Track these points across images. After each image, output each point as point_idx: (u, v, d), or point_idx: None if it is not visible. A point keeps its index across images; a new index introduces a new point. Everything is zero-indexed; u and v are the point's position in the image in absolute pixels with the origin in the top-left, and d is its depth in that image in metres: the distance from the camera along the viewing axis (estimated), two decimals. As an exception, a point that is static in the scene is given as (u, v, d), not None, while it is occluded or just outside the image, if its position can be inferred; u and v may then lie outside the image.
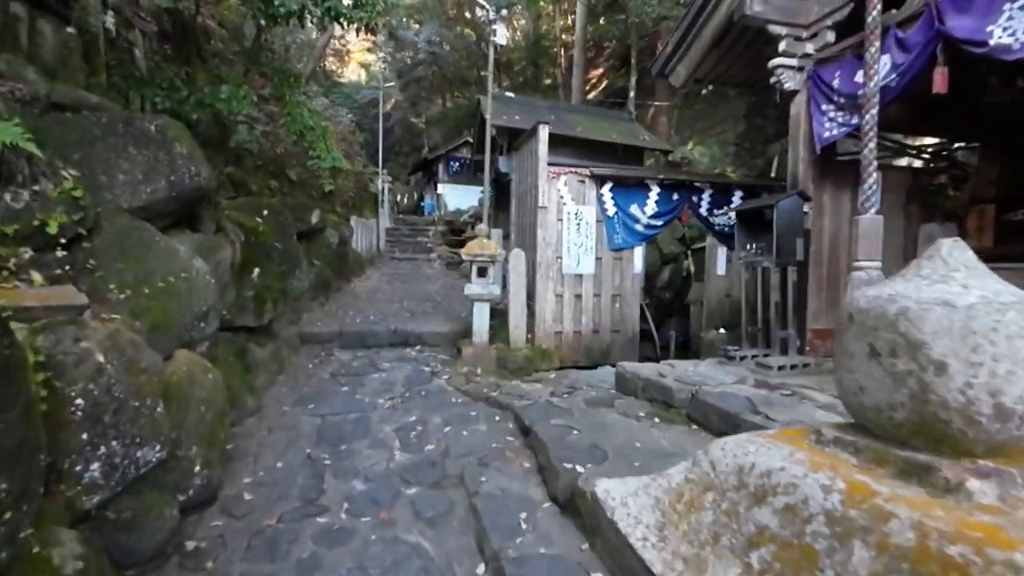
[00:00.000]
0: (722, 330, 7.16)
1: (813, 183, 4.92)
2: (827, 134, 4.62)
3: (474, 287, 5.87)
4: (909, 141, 5.77)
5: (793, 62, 4.83)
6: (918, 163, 5.59)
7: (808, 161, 4.91)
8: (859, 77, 4.27)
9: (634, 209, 6.76)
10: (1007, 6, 3.27)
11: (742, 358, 5.04)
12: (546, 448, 3.36)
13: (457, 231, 15.71)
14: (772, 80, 5.08)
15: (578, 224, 6.65)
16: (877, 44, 3.57)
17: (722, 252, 7.23)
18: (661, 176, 6.79)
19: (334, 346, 6.46)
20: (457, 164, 19.72)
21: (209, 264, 3.75)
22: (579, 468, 2.98)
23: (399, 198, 20.99)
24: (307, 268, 6.24)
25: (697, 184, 7.00)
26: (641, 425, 4.00)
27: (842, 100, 4.44)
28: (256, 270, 4.78)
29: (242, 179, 7.05)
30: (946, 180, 5.02)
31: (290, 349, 5.87)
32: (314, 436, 4.05)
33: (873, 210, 3.59)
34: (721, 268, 7.24)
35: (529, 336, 6.51)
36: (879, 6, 3.58)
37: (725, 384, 4.39)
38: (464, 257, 6.16)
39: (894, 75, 3.93)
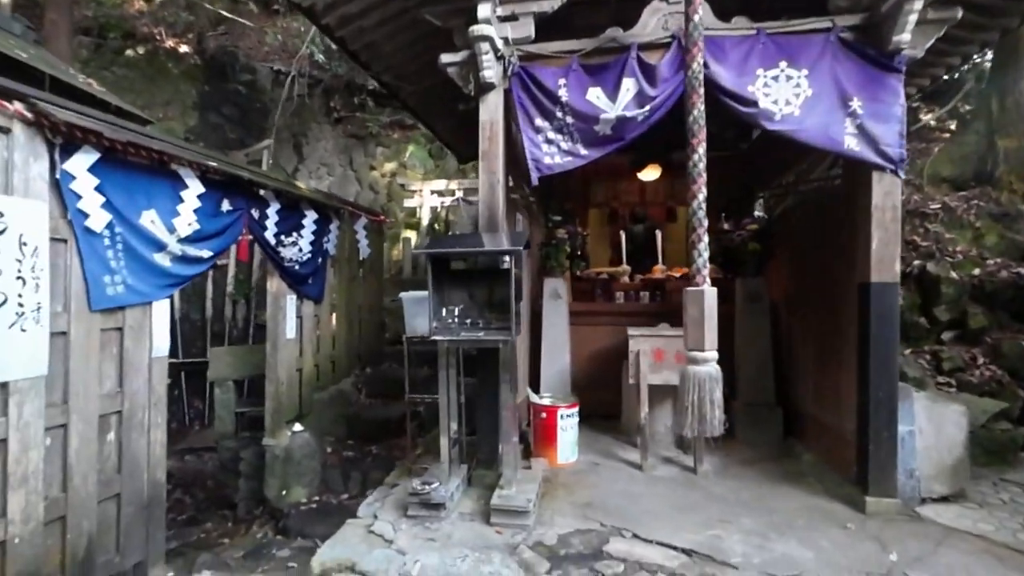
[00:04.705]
0: (298, 426, 4.54)
1: (507, 222, 3.55)
2: (548, 160, 3.37)
3: None
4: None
5: (499, 43, 3.29)
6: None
7: (507, 191, 3.51)
8: (593, 97, 3.29)
9: (150, 220, 3.13)
10: (760, 71, 3.13)
11: (451, 498, 3.00)
12: None
13: None
14: (450, 62, 3.35)
15: (-13, 243, 2.37)
16: (700, 60, 2.66)
17: (292, 303, 4.57)
18: (211, 161, 3.47)
19: None
20: None
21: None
22: None
23: None
24: None
25: (260, 189, 4.11)
26: None
27: (570, 120, 3.32)
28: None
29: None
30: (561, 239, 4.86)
31: None
32: None
33: (707, 283, 2.64)
34: (291, 328, 4.56)
35: None
36: (702, 9, 2.67)
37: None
38: None
39: (645, 109, 3.18)
